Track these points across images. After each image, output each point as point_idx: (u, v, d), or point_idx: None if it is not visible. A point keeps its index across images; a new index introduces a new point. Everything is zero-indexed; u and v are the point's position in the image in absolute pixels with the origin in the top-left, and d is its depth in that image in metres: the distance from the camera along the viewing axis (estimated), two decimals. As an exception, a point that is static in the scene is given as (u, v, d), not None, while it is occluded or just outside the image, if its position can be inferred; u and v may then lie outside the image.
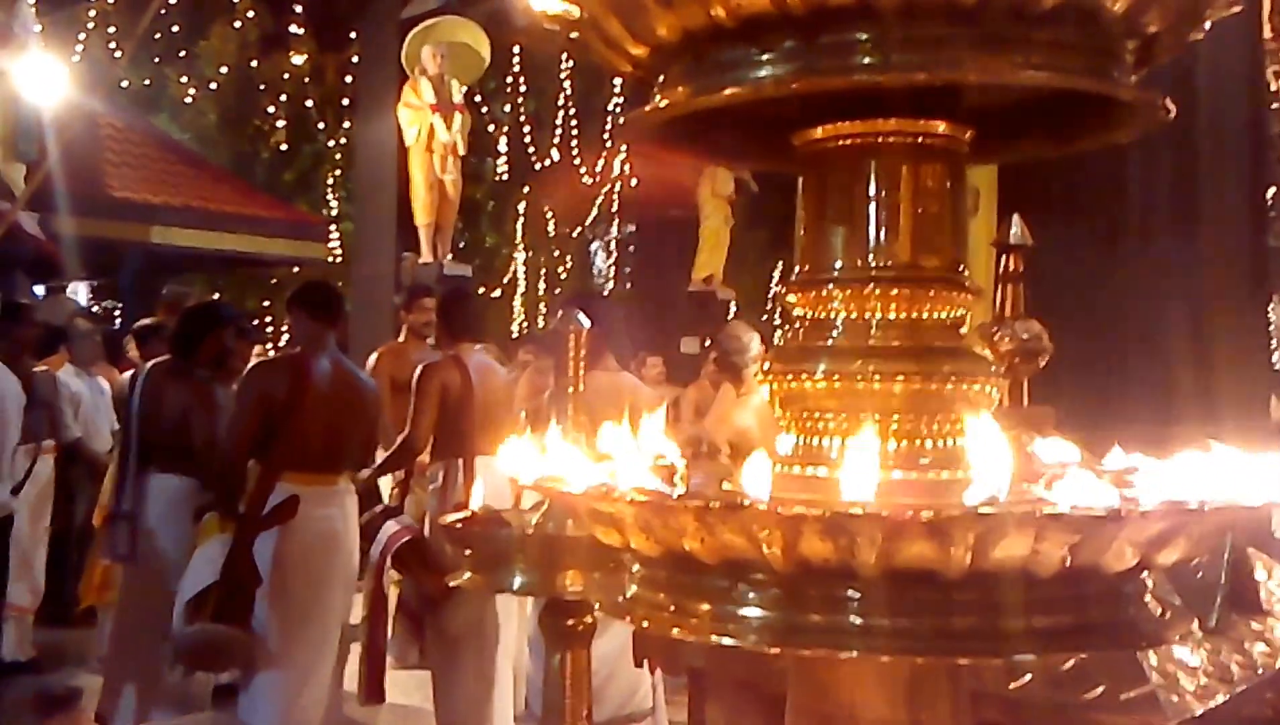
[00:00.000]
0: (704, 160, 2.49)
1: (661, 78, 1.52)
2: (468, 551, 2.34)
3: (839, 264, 1.52)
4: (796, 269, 1.59)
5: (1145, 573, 1.34)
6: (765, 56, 1.42)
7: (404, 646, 7.39)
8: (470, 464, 6.53)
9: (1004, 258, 3.74)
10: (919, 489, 1.48)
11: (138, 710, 6.19)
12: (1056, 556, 1.19)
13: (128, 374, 7.85)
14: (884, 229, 1.50)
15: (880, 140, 1.51)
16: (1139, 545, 1.23)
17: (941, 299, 1.52)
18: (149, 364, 6.70)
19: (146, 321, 8.76)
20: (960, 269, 1.54)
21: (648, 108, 1.51)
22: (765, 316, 19.37)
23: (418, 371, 6.72)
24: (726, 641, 1.30)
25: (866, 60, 1.37)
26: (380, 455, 6.94)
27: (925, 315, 1.50)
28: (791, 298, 1.59)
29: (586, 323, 2.79)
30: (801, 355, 1.53)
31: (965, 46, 1.37)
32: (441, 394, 6.52)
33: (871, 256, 1.51)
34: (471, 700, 6.46)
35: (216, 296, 14.25)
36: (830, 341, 1.53)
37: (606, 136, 19.30)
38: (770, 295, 23.56)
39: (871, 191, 1.51)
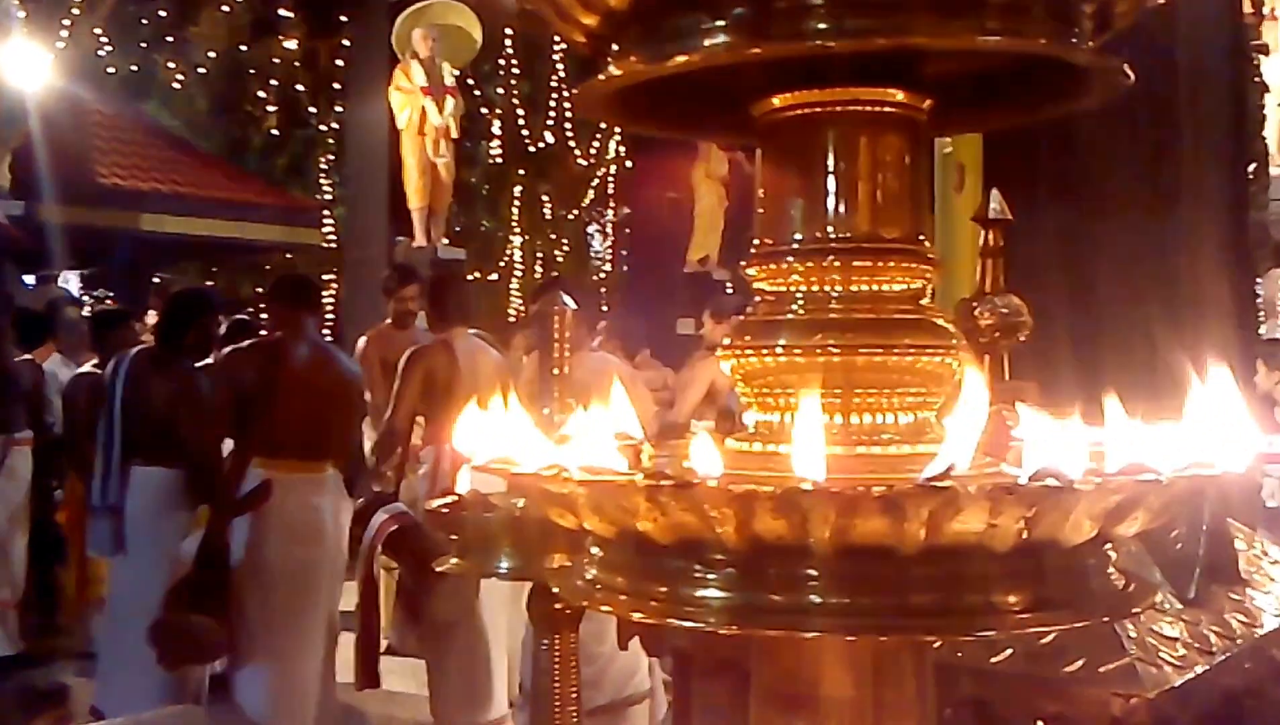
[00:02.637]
0: (662, 133, 2.48)
1: (614, 47, 1.49)
2: (454, 536, 2.34)
3: (798, 236, 1.49)
4: (756, 242, 1.57)
5: (1107, 545, 1.32)
6: (718, 23, 1.38)
7: (402, 633, 7.39)
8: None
9: (985, 233, 3.72)
10: (881, 464, 1.45)
11: (133, 702, 6.12)
12: (1013, 530, 1.17)
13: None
14: (842, 200, 1.47)
15: (837, 109, 1.47)
16: (1097, 517, 1.20)
17: (902, 270, 1.49)
18: (132, 352, 6.59)
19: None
20: (920, 239, 1.51)
21: (600, 77, 1.48)
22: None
23: (404, 356, 6.70)
24: (686, 624, 1.27)
25: (820, 25, 1.34)
26: (368, 436, 6.95)
27: (886, 287, 1.48)
28: (752, 271, 1.56)
29: (571, 304, 2.77)
30: (762, 329, 1.50)
31: (920, 10, 1.34)
32: (427, 378, 6.50)
33: (830, 228, 1.47)
34: (465, 685, 6.47)
35: (210, 283, 14.21)
36: (790, 315, 1.50)
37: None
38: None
39: (829, 162, 1.48)
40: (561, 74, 18.28)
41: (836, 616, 1.20)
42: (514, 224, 21.72)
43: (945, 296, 6.20)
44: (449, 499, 2.35)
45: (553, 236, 22.84)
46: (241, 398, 5.67)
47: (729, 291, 16.78)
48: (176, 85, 18.67)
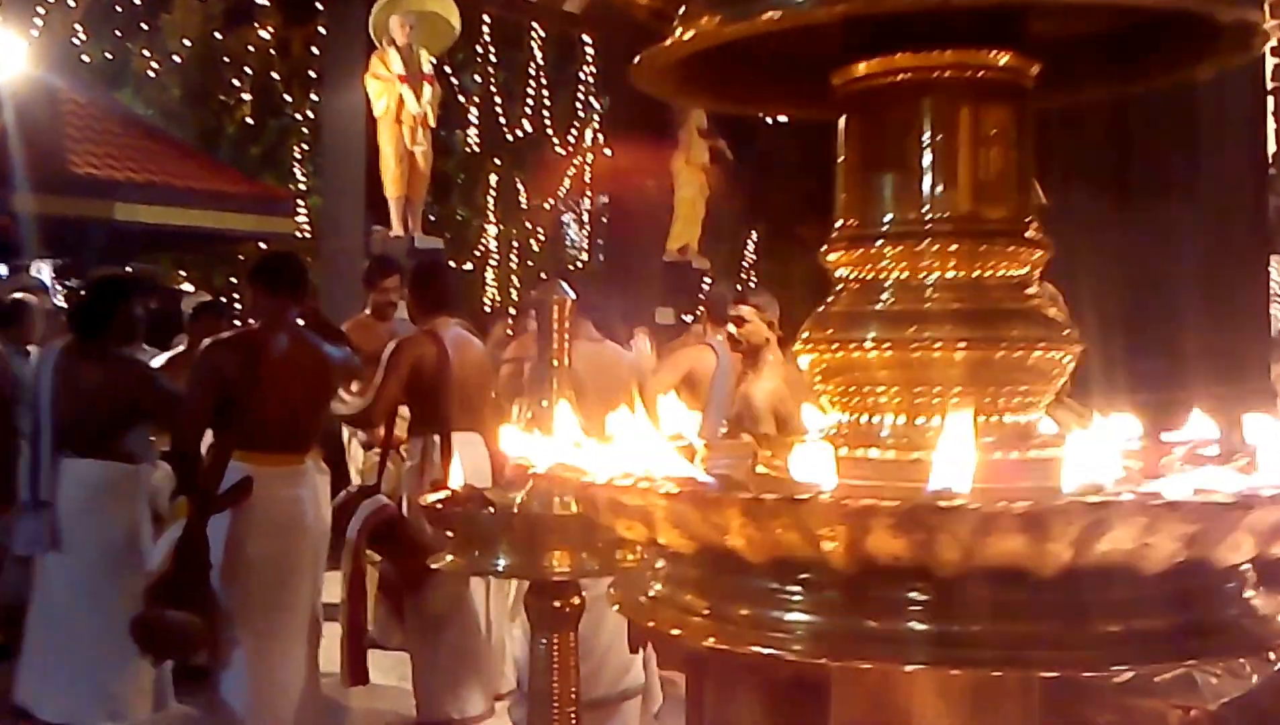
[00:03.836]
0: (724, 107, 2.35)
1: (682, 9, 1.34)
2: (449, 532, 2.26)
3: (889, 217, 1.34)
4: (840, 223, 1.42)
5: (1250, 566, 1.18)
6: (806, -23, 1.23)
7: (386, 627, 7.28)
8: (448, 441, 6.39)
9: None
10: (980, 474, 1.31)
11: (64, 702, 5.93)
12: (1168, 550, 1.02)
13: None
14: (940, 177, 1.32)
15: (934, 75, 1.32)
16: (1260, 535, 1.06)
17: (1006, 255, 1.35)
18: (56, 345, 6.29)
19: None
20: (1027, 221, 1.36)
21: (668, 41, 1.33)
22: (739, 287, 19.25)
23: (391, 346, 6.59)
24: (768, 651, 1.13)
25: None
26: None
27: (989, 274, 1.33)
28: (834, 257, 1.41)
29: (570, 293, 2.64)
30: (846, 321, 1.36)
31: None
32: (415, 369, 6.37)
33: (926, 208, 1.33)
34: (452, 678, 6.41)
35: (183, 274, 13.99)
36: (879, 305, 1.35)
37: (579, 106, 19.11)
38: (744, 265, 23.49)
39: (925, 134, 1.33)
40: (540, 61, 18.11)
41: (944, 647, 1.07)
42: (489, 213, 21.54)
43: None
44: (443, 493, 2.25)
45: (528, 226, 22.68)
46: (222, 390, 5.50)
47: (707, 282, 16.75)
48: (151, 74, 18.40)
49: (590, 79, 18.40)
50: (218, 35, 17.90)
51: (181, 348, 7.89)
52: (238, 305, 14.81)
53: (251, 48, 17.77)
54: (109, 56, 18.01)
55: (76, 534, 6.02)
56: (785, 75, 1.50)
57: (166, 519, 6.23)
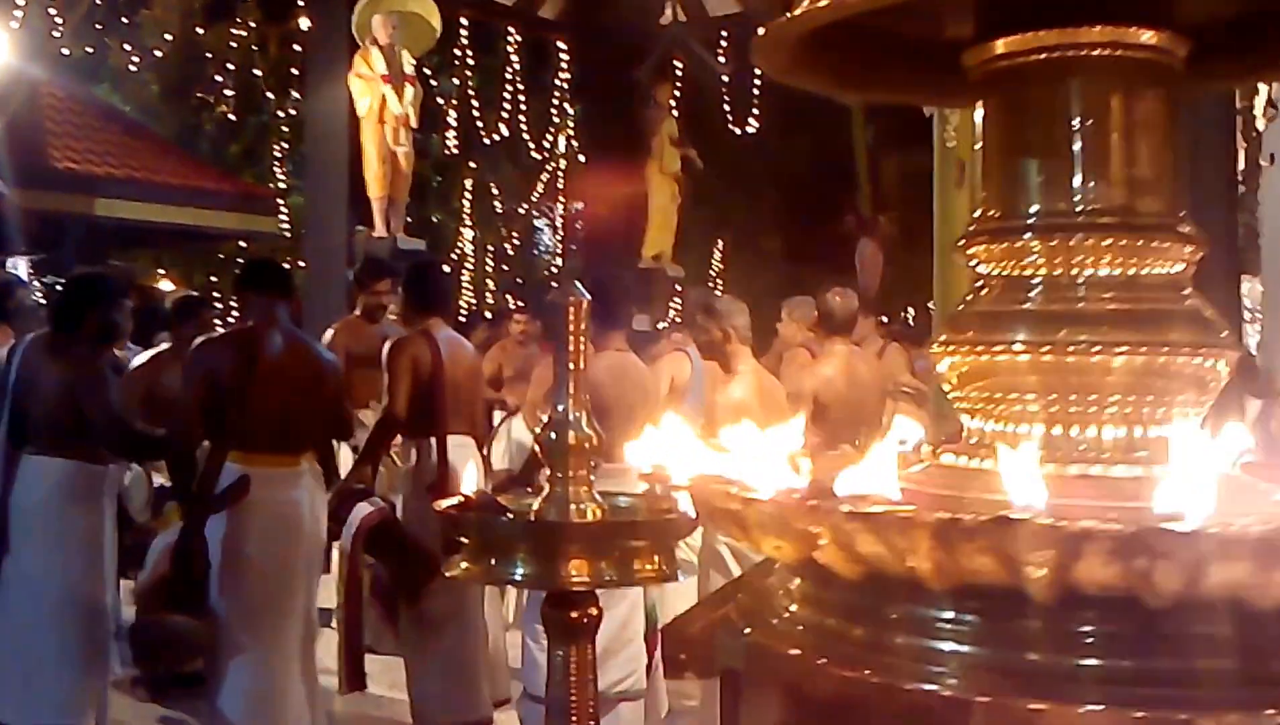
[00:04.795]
0: (845, 92, 2.28)
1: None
2: (464, 539, 2.20)
3: (1035, 209, 1.28)
4: (979, 214, 1.34)
5: None
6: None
7: (378, 632, 7.18)
8: (443, 444, 6.33)
9: None
10: (1128, 490, 1.23)
11: (22, 707, 5.62)
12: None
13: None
14: (1091, 166, 1.25)
15: (1083, 54, 1.25)
16: None
17: (1161, 252, 1.28)
18: (28, 337, 6.06)
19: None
20: (1182, 215, 1.30)
21: (794, 11, 1.25)
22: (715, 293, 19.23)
23: (387, 347, 6.53)
24: (927, 687, 1.06)
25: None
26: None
27: (1144, 271, 1.27)
28: (974, 251, 1.34)
29: (587, 295, 2.59)
30: (990, 322, 1.29)
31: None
32: (413, 370, 6.30)
33: (1078, 199, 1.26)
34: (449, 684, 6.33)
35: (162, 272, 13.78)
36: (1026, 304, 1.28)
37: (553, 112, 19.03)
38: (713, 272, 23.49)
39: (1075, 119, 1.26)
40: (515, 66, 17.99)
41: (1121, 686, 0.99)
42: (465, 217, 21.42)
43: (946, 299, 6.09)
44: (455, 500, 2.18)
45: (502, 230, 22.58)
46: (216, 390, 5.43)
47: (678, 288, 16.72)
48: (130, 69, 18.13)
49: (564, 85, 18.31)
50: (199, 31, 17.70)
51: (166, 345, 7.77)
52: (218, 303, 14.66)
53: (233, 45, 17.59)
54: (89, 51, 17.75)
55: (36, 537, 5.72)
56: (911, 57, 1.43)
57: (153, 523, 6.13)
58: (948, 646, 1.06)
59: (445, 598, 6.13)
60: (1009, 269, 1.32)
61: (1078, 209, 1.27)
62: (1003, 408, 1.30)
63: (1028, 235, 1.29)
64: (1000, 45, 1.30)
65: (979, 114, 1.36)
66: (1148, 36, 1.26)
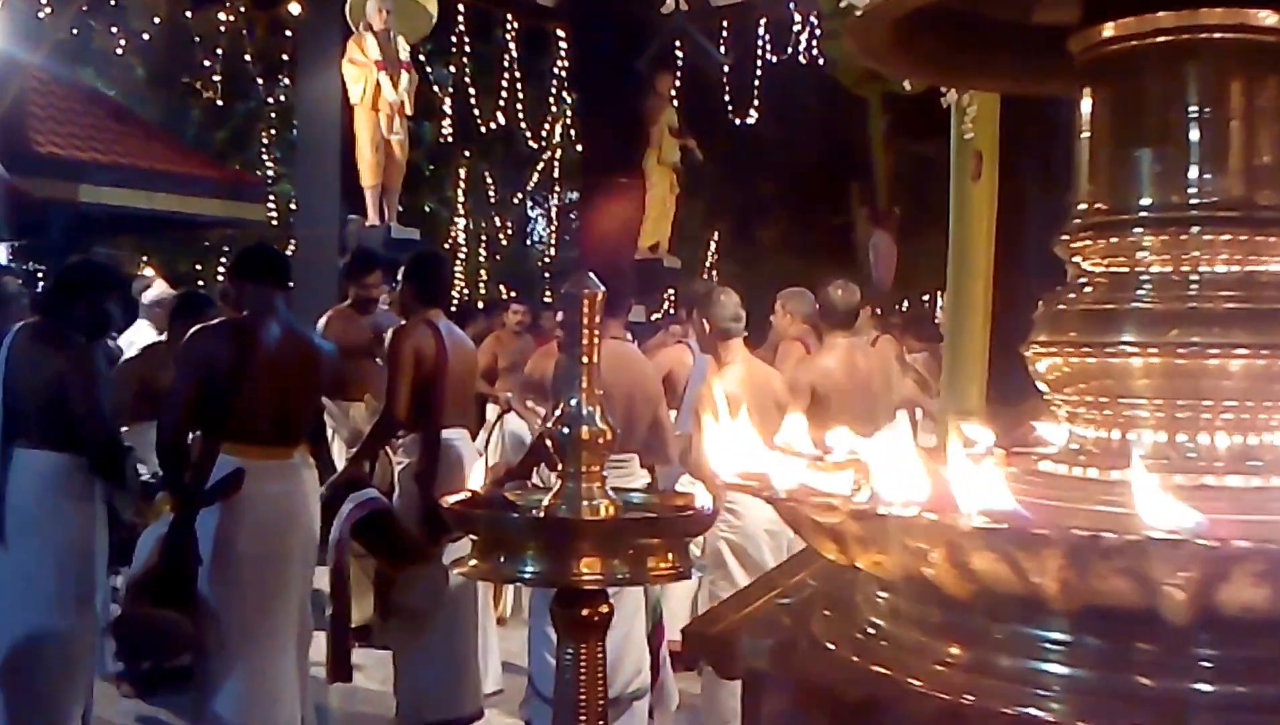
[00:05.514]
0: (943, 79, 2.18)
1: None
2: (473, 537, 2.07)
3: (1147, 201, 1.14)
4: (1082, 207, 1.21)
5: None
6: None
7: (378, 623, 7.08)
8: (437, 436, 6.23)
9: None
10: (1254, 502, 1.10)
11: (11, 708, 5.50)
12: None
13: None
14: (1207, 155, 1.12)
15: (1201, 37, 1.12)
16: None
17: None
18: (16, 327, 5.85)
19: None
20: None
21: None
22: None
23: (390, 335, 6.48)
24: (1031, 711, 0.94)
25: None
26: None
27: (1263, 268, 1.13)
28: (1077, 245, 1.20)
29: (600, 286, 2.46)
30: (1095, 321, 1.16)
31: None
32: (416, 360, 6.19)
33: (1193, 191, 1.13)
34: (433, 680, 6.25)
35: (145, 259, 13.60)
36: (1135, 303, 1.15)
37: (550, 101, 18.91)
38: (708, 264, 23.40)
39: (1192, 106, 1.13)
40: (512, 54, 17.85)
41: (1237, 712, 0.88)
42: (459, 206, 21.26)
43: (960, 293, 5.96)
44: (462, 496, 2.12)
45: (496, 220, 22.44)
46: (210, 381, 5.31)
47: (676, 277, 16.62)
48: (116, 53, 17.90)
49: (562, 73, 18.17)
50: (187, 14, 17.48)
51: (161, 338, 7.65)
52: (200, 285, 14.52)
53: (222, 29, 17.38)
54: (74, 32, 17.51)
55: (25, 528, 5.56)
56: (1009, 43, 1.31)
57: (137, 518, 5.99)
58: (1055, 669, 0.97)
59: (425, 589, 6.05)
60: (1116, 265, 1.20)
61: (1192, 201, 1.15)
62: (1108, 413, 1.18)
63: (1138, 229, 1.18)
64: (1110, 29, 1.18)
65: (1085, 103, 1.23)
66: (1272, 18, 1.13)
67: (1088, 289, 1.22)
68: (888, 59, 1.37)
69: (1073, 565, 0.89)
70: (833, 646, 1.16)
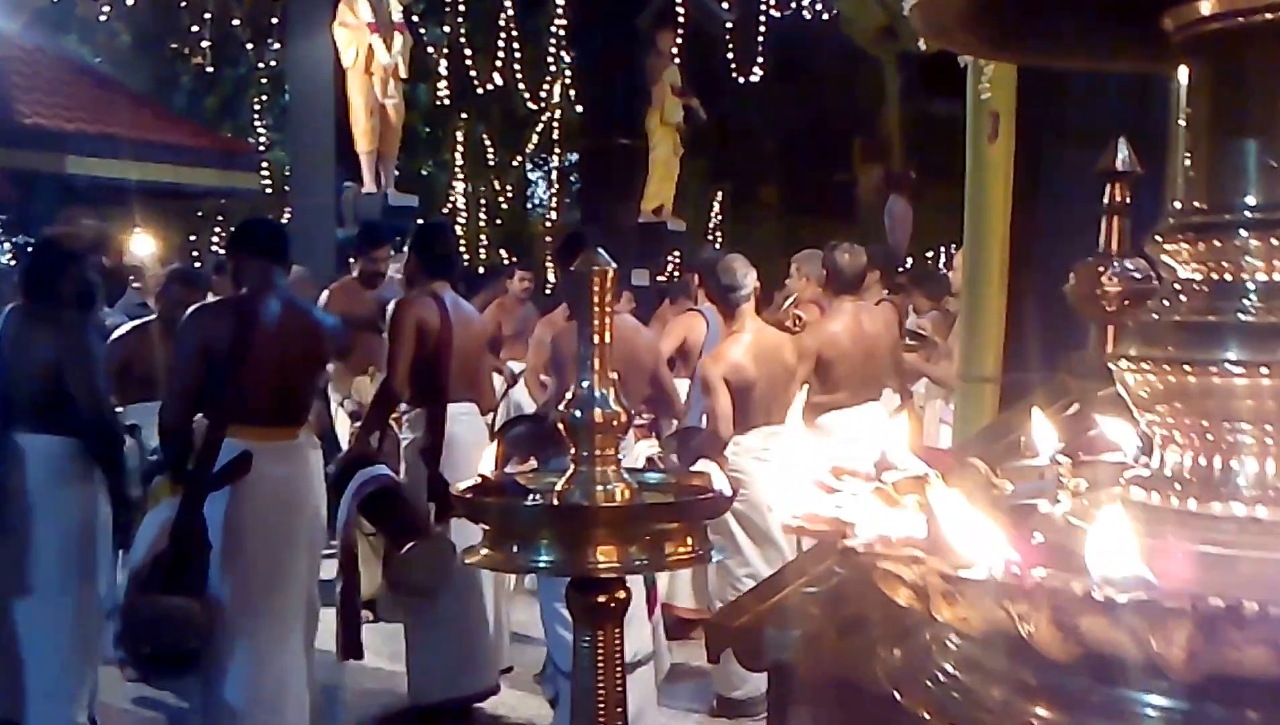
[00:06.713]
0: (1018, 57, 2.06)
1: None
2: (485, 525, 1.95)
3: (1253, 201, 0.98)
4: (1177, 206, 1.05)
5: None
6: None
7: (387, 599, 6.97)
8: (443, 410, 6.14)
9: (1110, 186, 3.40)
10: None
11: (15, 696, 5.49)
12: None
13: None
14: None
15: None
16: None
17: None
18: (6, 310, 5.75)
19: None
20: None
21: None
22: (717, 248, 18.94)
23: (392, 306, 6.41)
24: None
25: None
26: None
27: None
28: (1172, 248, 1.04)
29: (611, 263, 2.30)
30: (1193, 335, 1.00)
31: None
32: (419, 333, 6.12)
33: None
34: (444, 657, 6.22)
35: (138, 229, 13.34)
36: (1239, 315, 1.00)
37: (549, 60, 18.66)
38: (712, 225, 23.21)
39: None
40: (510, 11, 17.61)
41: None
42: (457, 170, 21.03)
43: (977, 255, 5.78)
44: (474, 481, 1.99)
45: (495, 183, 22.20)
46: (211, 362, 5.19)
47: (680, 240, 16.46)
48: (100, 19, 17.58)
49: (561, 31, 17.92)
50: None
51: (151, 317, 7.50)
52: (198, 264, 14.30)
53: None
54: (55, 0, 17.21)
55: (26, 515, 5.52)
56: (1101, 18, 1.14)
57: (146, 500, 5.86)
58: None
59: (432, 566, 5.92)
60: (1217, 272, 1.06)
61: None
62: (1208, 437, 1.02)
63: (1244, 232, 1.05)
64: (1210, 4, 1.07)
65: (1182, 88, 1.07)
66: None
67: (1184, 298, 1.06)
68: (955, 35, 1.22)
69: (1203, 636, 0.81)
70: (899, 696, 1.01)
